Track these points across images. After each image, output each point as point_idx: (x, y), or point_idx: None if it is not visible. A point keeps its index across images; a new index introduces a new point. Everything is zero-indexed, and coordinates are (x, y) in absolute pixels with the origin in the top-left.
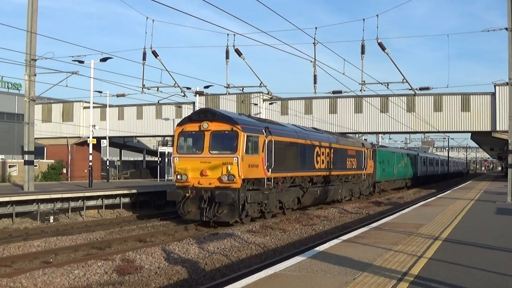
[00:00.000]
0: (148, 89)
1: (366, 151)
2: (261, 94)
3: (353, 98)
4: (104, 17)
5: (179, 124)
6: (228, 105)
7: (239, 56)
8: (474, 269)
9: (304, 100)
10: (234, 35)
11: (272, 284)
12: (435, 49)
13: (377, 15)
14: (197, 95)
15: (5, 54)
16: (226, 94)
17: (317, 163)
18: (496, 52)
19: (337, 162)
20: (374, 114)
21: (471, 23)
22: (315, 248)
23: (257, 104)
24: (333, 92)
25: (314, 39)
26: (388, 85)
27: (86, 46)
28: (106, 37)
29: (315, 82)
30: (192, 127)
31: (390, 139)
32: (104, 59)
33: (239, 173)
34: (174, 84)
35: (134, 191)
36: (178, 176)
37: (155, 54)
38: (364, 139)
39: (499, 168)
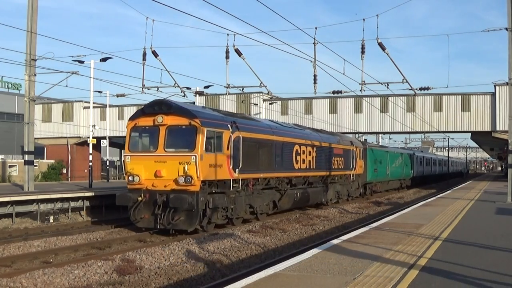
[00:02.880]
0: (148, 89)
1: (355, 149)
2: (261, 94)
3: (353, 98)
4: (104, 17)
5: (131, 118)
6: (228, 105)
7: (239, 56)
8: (474, 269)
9: (304, 100)
10: (234, 35)
11: (272, 284)
12: (435, 49)
13: (377, 15)
14: (197, 95)
15: (5, 54)
16: (226, 94)
17: (297, 162)
18: (496, 52)
19: (321, 162)
20: (374, 114)
21: (471, 23)
22: (315, 248)
23: (257, 104)
24: (333, 92)
25: (314, 39)
26: (388, 85)
27: (86, 46)
28: (106, 37)
29: (315, 82)
30: (146, 121)
31: (390, 139)
32: (104, 59)
33: (197, 174)
34: (174, 84)
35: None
36: (130, 178)
37: (155, 54)
38: (364, 139)
39: (499, 168)
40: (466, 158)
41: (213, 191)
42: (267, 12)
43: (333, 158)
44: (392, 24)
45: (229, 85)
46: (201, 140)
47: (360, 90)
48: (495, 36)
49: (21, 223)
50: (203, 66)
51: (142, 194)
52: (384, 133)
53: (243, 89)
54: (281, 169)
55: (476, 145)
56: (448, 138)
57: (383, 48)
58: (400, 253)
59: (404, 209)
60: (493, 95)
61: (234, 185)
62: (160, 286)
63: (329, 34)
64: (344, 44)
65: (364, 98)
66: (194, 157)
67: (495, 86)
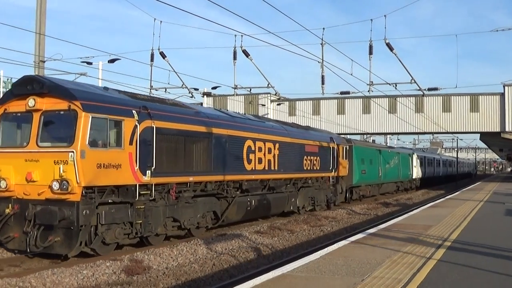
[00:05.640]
0: (156, 90)
1: (336, 147)
2: (269, 95)
3: (361, 99)
4: (111, 18)
5: (0, 102)
6: (235, 106)
7: (247, 56)
8: (483, 271)
9: (312, 101)
10: (242, 35)
11: (280, 285)
12: (443, 49)
13: (384, 16)
14: (205, 96)
15: (14, 55)
16: (233, 95)
17: (250, 162)
18: (505, 52)
19: (287, 162)
20: (382, 115)
21: (479, 22)
22: (323, 249)
23: (265, 105)
24: (341, 93)
25: (322, 39)
26: (396, 85)
27: (94, 47)
28: (114, 38)
29: (323, 83)
30: (18, 105)
31: (398, 140)
32: (112, 61)
33: (77, 178)
34: (182, 85)
35: None
36: None
37: (162, 55)
38: (372, 140)
39: (509, 169)
40: (475, 159)
41: (108, 200)
42: (274, 12)
43: (306, 157)
44: (400, 25)
45: (236, 86)
46: (82, 130)
47: (368, 91)
48: (504, 36)
49: None
50: (210, 67)
51: (10, 205)
52: (392, 133)
53: (250, 90)
54: (224, 171)
55: (485, 146)
56: (457, 139)
57: (391, 49)
58: (408, 254)
59: (412, 210)
60: (502, 95)
61: (143, 192)
62: (168, 287)
63: (336, 34)
64: (352, 45)
65: (372, 98)
66: (72, 154)
67: (504, 87)
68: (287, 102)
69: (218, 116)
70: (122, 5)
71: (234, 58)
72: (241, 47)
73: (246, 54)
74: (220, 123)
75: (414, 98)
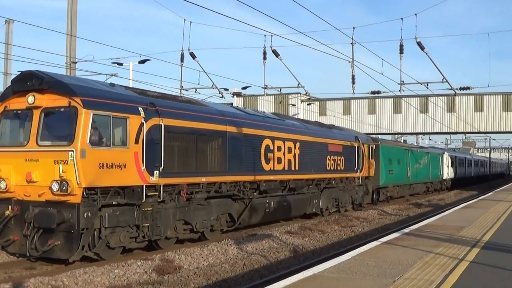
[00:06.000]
0: (186, 90)
1: (362, 147)
2: (299, 94)
3: (392, 99)
4: (142, 20)
5: (0, 100)
6: (266, 106)
7: (276, 56)
8: None
9: (342, 101)
10: (271, 36)
11: (310, 286)
12: (475, 48)
13: (415, 14)
14: (235, 96)
15: (45, 57)
16: (263, 95)
17: (268, 162)
18: None
19: (309, 161)
20: (413, 115)
21: (511, 21)
22: (354, 250)
23: (295, 105)
24: (372, 93)
25: (352, 39)
26: (427, 85)
27: (124, 48)
28: (144, 39)
29: (353, 83)
30: (18, 102)
31: (430, 140)
32: (142, 61)
33: (77, 179)
34: (212, 85)
35: None
36: None
37: (192, 55)
38: (404, 140)
39: None
40: (508, 159)
41: (113, 202)
42: (304, 12)
43: (328, 156)
44: (431, 23)
45: (266, 86)
46: (83, 128)
47: (399, 90)
48: None
49: None
50: (240, 67)
51: (10, 207)
52: (424, 133)
53: (280, 90)
54: (240, 171)
55: None
56: (490, 139)
57: (422, 48)
58: (440, 255)
59: (444, 211)
60: None
61: (150, 193)
62: (199, 286)
63: (367, 34)
64: (382, 44)
65: (403, 98)
66: (72, 153)
67: None
68: (317, 102)
69: (234, 114)
70: (152, 6)
71: (264, 58)
72: (271, 47)
73: (276, 54)
74: (236, 121)
75: (445, 97)
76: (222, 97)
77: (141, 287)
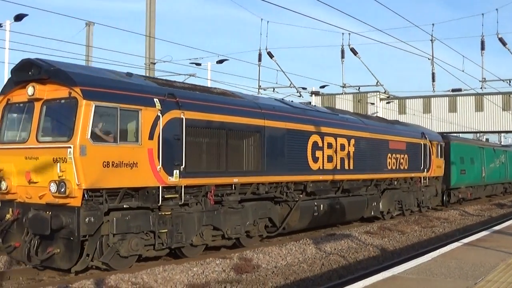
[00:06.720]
0: (264, 89)
1: (429, 144)
2: (378, 93)
3: (473, 96)
4: (219, 20)
5: (3, 92)
6: (344, 105)
7: (355, 55)
8: None
9: (422, 99)
10: (349, 34)
11: (389, 287)
12: None
13: (496, 9)
14: (313, 95)
15: (125, 58)
16: (342, 93)
17: (317, 160)
18: None
19: (366, 160)
20: (496, 112)
21: None
22: (435, 251)
23: (374, 104)
24: (452, 90)
25: (431, 35)
26: (510, 81)
27: (202, 48)
28: (222, 39)
29: (433, 80)
30: (20, 94)
31: None
32: (220, 61)
33: (76, 179)
34: (290, 85)
35: None
36: None
37: (270, 55)
38: (486, 139)
39: None
40: None
41: (123, 206)
42: (382, 9)
43: (389, 155)
44: None
45: (345, 84)
46: (83, 122)
47: (481, 88)
48: None
49: None
50: (318, 66)
51: (11, 210)
52: (507, 132)
53: (359, 88)
54: (282, 171)
55: None
56: None
57: (504, 44)
58: None
59: None
60: None
61: (169, 196)
62: (276, 286)
63: (446, 30)
64: (463, 40)
65: (485, 95)
66: (70, 149)
67: None
68: (397, 100)
69: (275, 107)
70: (230, 6)
71: (342, 56)
72: (349, 45)
73: (354, 52)
74: (276, 114)
75: None
76: (300, 96)
77: (220, 286)
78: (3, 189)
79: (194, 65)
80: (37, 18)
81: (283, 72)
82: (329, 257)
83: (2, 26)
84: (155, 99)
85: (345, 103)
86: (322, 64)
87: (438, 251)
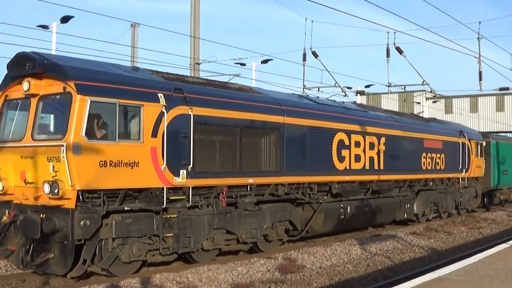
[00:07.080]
0: (309, 89)
1: (468, 143)
2: (424, 92)
3: None
4: (264, 20)
5: (1, 88)
6: (390, 104)
7: (400, 54)
8: None
9: (468, 98)
10: (394, 32)
11: None
12: None
13: None
14: (358, 94)
15: (170, 59)
16: (387, 93)
17: (343, 160)
18: None
19: (398, 159)
20: None
21: None
22: (482, 252)
23: (419, 103)
24: (500, 89)
25: (478, 34)
26: None
27: (247, 49)
28: (266, 39)
29: (480, 79)
30: (18, 90)
31: None
32: (265, 61)
33: (70, 179)
34: (335, 84)
35: None
36: None
37: (315, 54)
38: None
39: None
40: None
41: (123, 208)
42: (427, 7)
43: (424, 154)
44: None
45: (390, 83)
46: (76, 118)
47: None
48: None
49: None
50: (363, 65)
51: (8, 211)
52: None
53: (405, 87)
54: (303, 171)
55: None
56: None
57: None
58: None
59: None
60: None
61: (174, 197)
62: (321, 286)
63: (493, 28)
64: (510, 38)
65: None
66: (63, 148)
67: None
68: (443, 100)
69: (296, 103)
70: (274, 6)
71: (387, 55)
72: (394, 44)
73: (400, 51)
74: (297, 111)
75: None
76: (345, 96)
77: (264, 286)
78: (0, 189)
79: (238, 65)
80: (83, 19)
81: (328, 71)
82: (375, 258)
83: (48, 28)
84: (159, 94)
85: (390, 103)
86: (367, 63)
87: (485, 252)
